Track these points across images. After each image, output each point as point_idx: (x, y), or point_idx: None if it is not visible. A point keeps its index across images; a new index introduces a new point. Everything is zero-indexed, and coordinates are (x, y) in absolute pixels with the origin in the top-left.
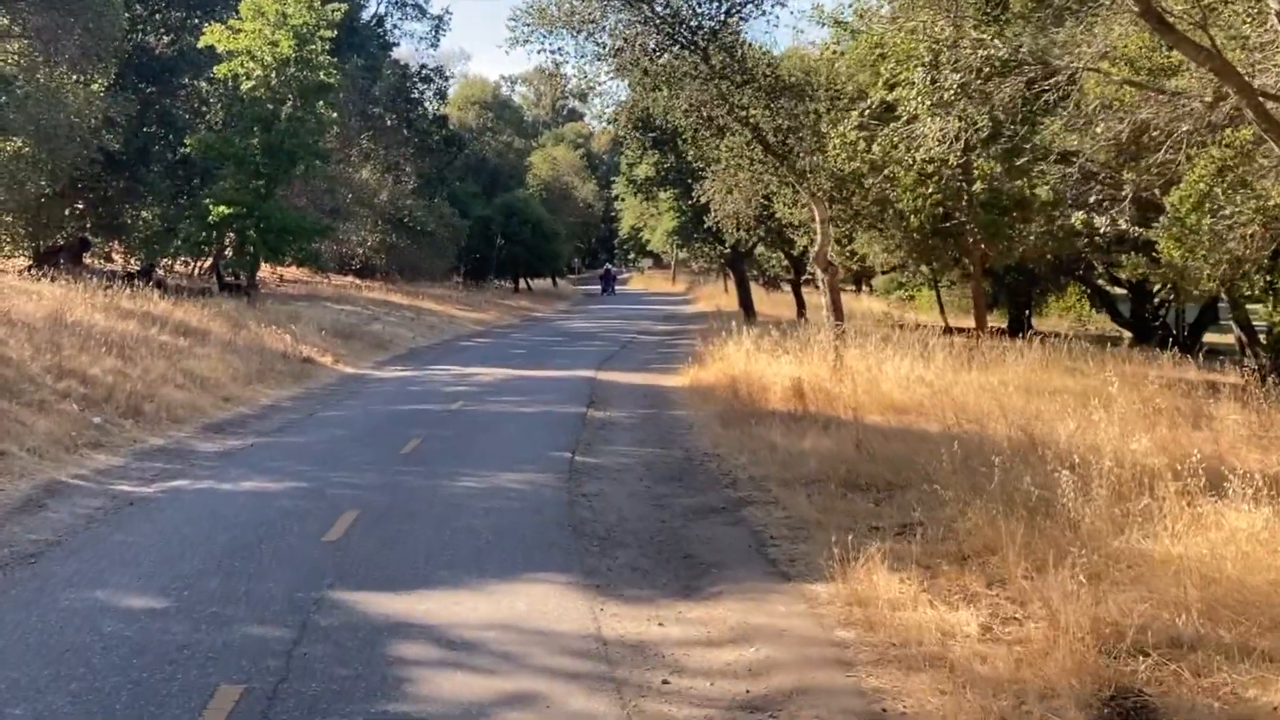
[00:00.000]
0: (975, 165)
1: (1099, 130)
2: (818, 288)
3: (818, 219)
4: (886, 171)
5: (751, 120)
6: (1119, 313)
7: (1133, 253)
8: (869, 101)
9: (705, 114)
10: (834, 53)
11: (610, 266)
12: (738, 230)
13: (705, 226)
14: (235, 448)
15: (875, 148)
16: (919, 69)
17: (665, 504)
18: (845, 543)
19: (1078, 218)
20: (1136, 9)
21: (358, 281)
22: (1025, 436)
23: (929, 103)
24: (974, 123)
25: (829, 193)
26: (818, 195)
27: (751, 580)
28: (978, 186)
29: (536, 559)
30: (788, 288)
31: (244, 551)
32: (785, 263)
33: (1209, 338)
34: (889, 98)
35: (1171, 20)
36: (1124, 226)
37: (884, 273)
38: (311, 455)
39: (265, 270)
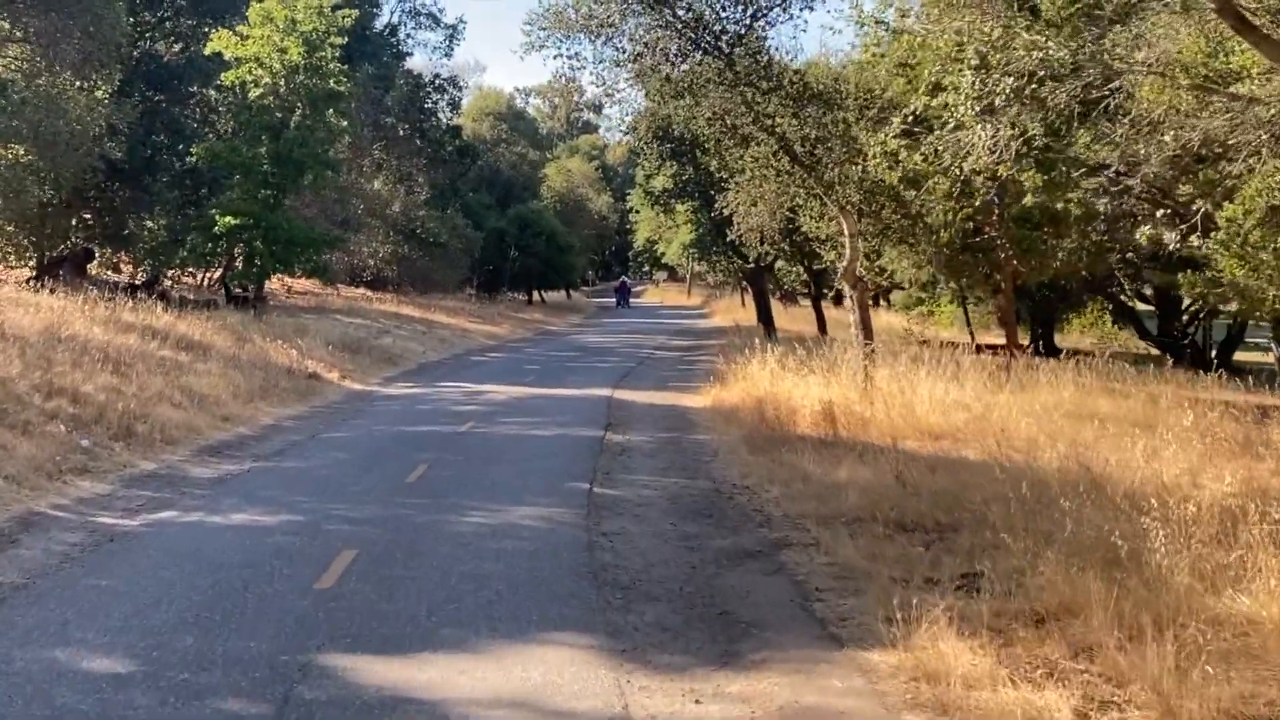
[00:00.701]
0: (1024, 177)
1: (1167, 139)
2: (839, 304)
3: (846, 233)
4: (930, 183)
5: (778, 129)
6: (1146, 330)
7: (1189, 270)
8: (911, 107)
9: (729, 123)
10: (875, 55)
11: (625, 279)
12: (761, 244)
13: (728, 240)
14: (230, 473)
15: (917, 157)
16: (967, 72)
17: (695, 546)
18: (902, 598)
19: (1144, 233)
20: (1213, 5)
21: (369, 293)
22: (1084, 470)
23: (978, 108)
24: (1024, 131)
25: (858, 205)
26: (846, 208)
27: (798, 645)
28: (1027, 200)
29: (553, 614)
30: (805, 302)
31: (227, 600)
32: (805, 277)
33: (1236, 356)
34: (933, 104)
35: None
36: (1195, 242)
37: (903, 288)
38: (310, 483)
39: (274, 282)
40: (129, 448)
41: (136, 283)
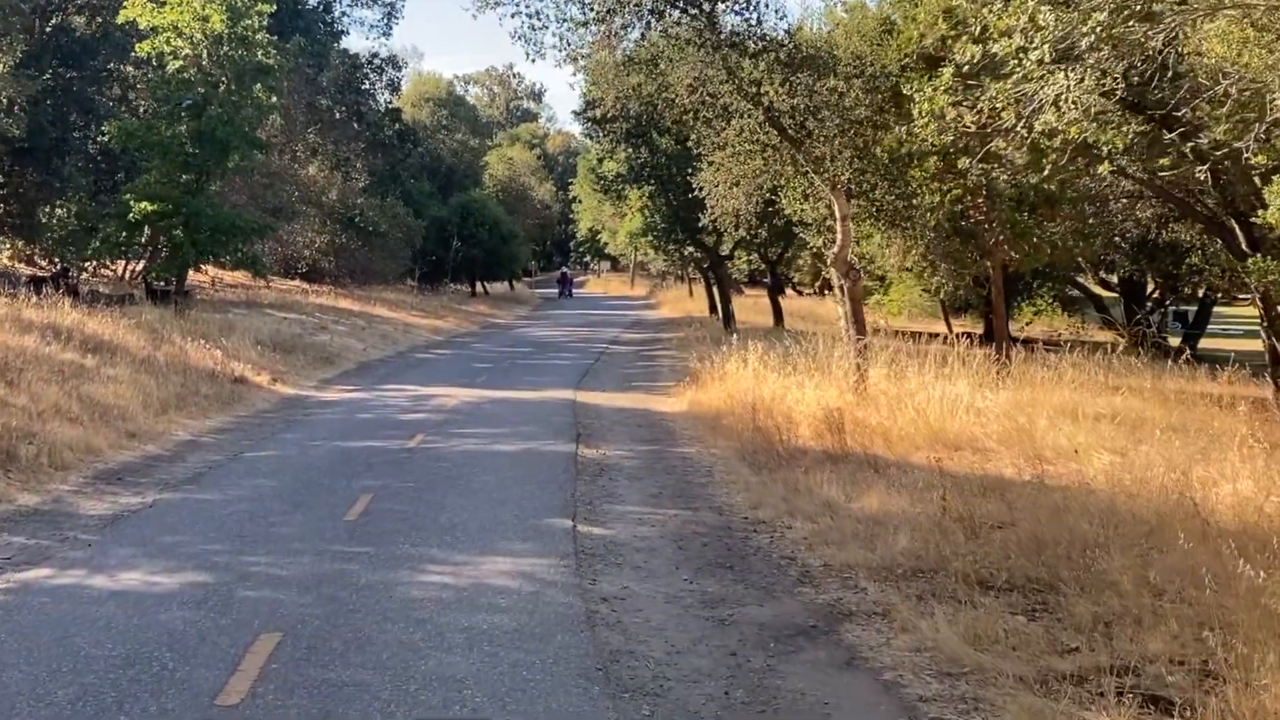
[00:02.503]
0: (1104, 138)
1: None
2: (783, 293)
3: (838, 215)
4: (992, 145)
5: (764, 99)
6: (1111, 317)
7: (1258, 255)
8: (966, 55)
9: (709, 91)
10: None
11: (565, 270)
12: (738, 229)
13: (700, 225)
14: (129, 509)
15: (969, 117)
16: (1044, 7)
17: (726, 618)
18: (1053, 713)
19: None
20: None
21: (304, 286)
22: (1184, 499)
23: (1053, 54)
24: (1109, 81)
25: (847, 184)
26: (838, 187)
27: None
28: (1103, 169)
29: None
30: (750, 291)
31: None
32: (761, 266)
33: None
34: (992, 49)
35: None
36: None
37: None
38: (226, 524)
39: (202, 275)
40: (8, 476)
41: (42, 276)
